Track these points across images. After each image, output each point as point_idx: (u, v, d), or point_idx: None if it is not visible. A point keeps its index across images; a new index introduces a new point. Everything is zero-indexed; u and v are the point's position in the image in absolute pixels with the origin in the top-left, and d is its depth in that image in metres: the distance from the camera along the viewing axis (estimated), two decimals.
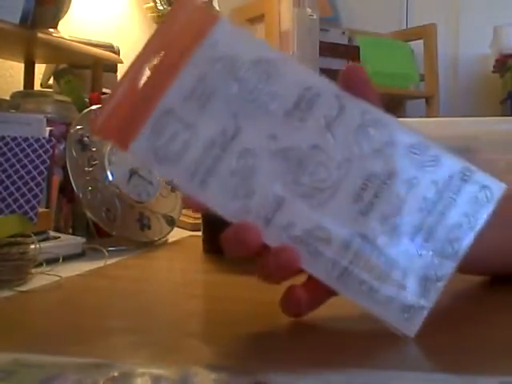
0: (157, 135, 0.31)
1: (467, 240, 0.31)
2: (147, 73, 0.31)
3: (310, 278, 0.32)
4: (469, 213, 0.31)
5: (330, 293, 0.33)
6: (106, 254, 0.55)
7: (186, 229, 0.76)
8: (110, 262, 0.54)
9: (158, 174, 0.30)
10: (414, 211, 0.31)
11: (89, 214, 0.61)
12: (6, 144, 0.61)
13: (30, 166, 0.60)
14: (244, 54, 0.32)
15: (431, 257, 0.31)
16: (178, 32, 0.32)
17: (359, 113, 0.32)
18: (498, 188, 0.32)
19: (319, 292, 0.33)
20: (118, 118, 0.31)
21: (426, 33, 2.00)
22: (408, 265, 0.31)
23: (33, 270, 0.48)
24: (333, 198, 0.31)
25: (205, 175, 0.31)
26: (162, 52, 0.31)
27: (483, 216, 0.32)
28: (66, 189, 0.66)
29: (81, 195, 0.61)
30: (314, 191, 0.31)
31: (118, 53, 1.16)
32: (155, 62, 0.31)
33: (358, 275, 0.31)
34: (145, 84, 0.31)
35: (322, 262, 0.31)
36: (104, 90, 1.01)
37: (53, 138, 0.64)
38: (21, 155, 0.60)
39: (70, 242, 0.59)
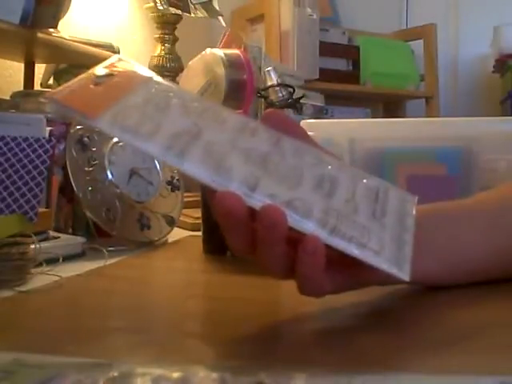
0: (125, 118, 0.33)
1: None
2: (105, 79, 0.35)
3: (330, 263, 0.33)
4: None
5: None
6: (106, 254, 0.55)
7: (186, 229, 0.76)
8: (109, 262, 0.54)
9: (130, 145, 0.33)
10: (363, 200, 0.36)
11: (89, 214, 0.61)
12: (6, 144, 0.61)
13: (29, 166, 0.60)
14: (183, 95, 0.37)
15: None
16: (122, 70, 0.37)
17: (294, 142, 0.37)
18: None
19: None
20: (85, 95, 0.34)
21: (425, 33, 2.00)
22: (377, 231, 0.34)
23: (33, 270, 0.48)
24: (300, 186, 0.34)
25: (181, 150, 0.32)
26: (111, 74, 0.36)
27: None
28: (66, 189, 0.66)
29: (81, 195, 0.61)
30: (283, 179, 0.34)
31: (117, 53, 1.16)
32: (106, 79, 0.35)
33: (345, 233, 0.33)
34: (103, 86, 0.35)
35: (309, 223, 0.32)
36: None
37: (53, 138, 0.64)
38: (21, 155, 0.60)
39: (69, 242, 0.58)
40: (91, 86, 0.35)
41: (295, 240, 0.32)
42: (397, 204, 0.37)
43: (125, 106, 0.34)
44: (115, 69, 0.37)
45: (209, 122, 0.35)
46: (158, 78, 0.38)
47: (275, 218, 0.31)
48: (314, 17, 1.66)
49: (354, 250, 0.32)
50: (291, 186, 0.33)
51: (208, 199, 0.34)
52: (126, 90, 0.35)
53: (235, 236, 0.32)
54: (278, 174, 0.34)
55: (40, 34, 0.89)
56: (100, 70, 0.36)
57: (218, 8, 1.25)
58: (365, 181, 0.37)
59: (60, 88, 0.35)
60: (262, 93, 0.90)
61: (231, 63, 0.91)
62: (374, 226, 0.34)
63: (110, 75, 0.36)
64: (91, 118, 0.33)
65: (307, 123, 0.64)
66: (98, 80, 0.35)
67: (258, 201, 0.31)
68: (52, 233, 0.59)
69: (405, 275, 0.33)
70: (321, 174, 0.35)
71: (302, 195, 0.33)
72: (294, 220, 0.32)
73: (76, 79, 0.36)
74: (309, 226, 0.32)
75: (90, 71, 0.36)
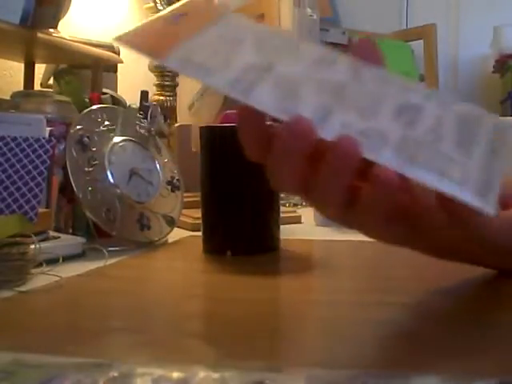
0: (194, 54, 0.32)
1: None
2: (178, 18, 0.35)
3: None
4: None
5: None
6: (106, 254, 0.55)
7: (186, 229, 0.76)
8: (110, 262, 0.54)
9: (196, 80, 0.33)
10: (449, 129, 0.32)
11: (89, 214, 0.61)
12: (6, 144, 0.61)
13: (29, 166, 0.60)
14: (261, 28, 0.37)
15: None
16: (196, 7, 0.37)
17: (376, 71, 0.35)
18: None
19: None
20: (153, 35, 0.34)
21: (425, 33, 2.00)
22: (462, 160, 0.31)
23: (33, 271, 0.48)
24: (377, 114, 0.32)
25: (248, 85, 0.31)
26: (185, 14, 0.36)
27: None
28: (66, 189, 0.66)
29: (81, 195, 0.61)
30: (358, 110, 0.32)
31: (118, 53, 1.16)
32: (180, 18, 0.35)
33: (424, 162, 0.30)
34: (176, 24, 0.35)
35: (384, 151, 0.30)
36: (104, 90, 1.01)
37: (53, 138, 0.64)
38: (21, 155, 0.60)
39: (69, 242, 0.59)
40: (163, 26, 0.35)
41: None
42: (490, 132, 0.34)
43: (195, 43, 0.33)
44: (189, 7, 0.36)
45: (283, 56, 0.34)
46: (234, 14, 0.37)
47: (348, 148, 0.29)
48: (314, 17, 1.65)
49: (433, 180, 0.30)
50: (367, 114, 0.32)
51: (243, 139, 0.33)
52: (199, 27, 0.34)
53: (293, 168, 0.31)
54: (353, 103, 0.32)
55: (40, 34, 0.89)
56: (173, 8, 0.36)
57: None
58: (454, 107, 0.34)
59: (131, 29, 0.34)
60: None
61: None
62: (458, 154, 0.31)
63: (183, 14, 0.35)
64: (159, 57, 0.32)
65: None
66: (171, 19, 0.35)
67: (329, 130, 0.30)
68: (52, 233, 0.59)
69: (490, 207, 0.30)
70: (403, 102, 0.33)
71: (379, 124, 0.31)
72: (368, 150, 0.30)
73: (148, 19, 0.36)
74: (383, 157, 0.30)
75: (164, 11, 0.36)
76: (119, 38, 0.34)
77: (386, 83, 0.34)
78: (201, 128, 0.62)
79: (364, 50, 0.36)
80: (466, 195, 0.30)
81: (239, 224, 0.59)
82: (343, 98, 0.32)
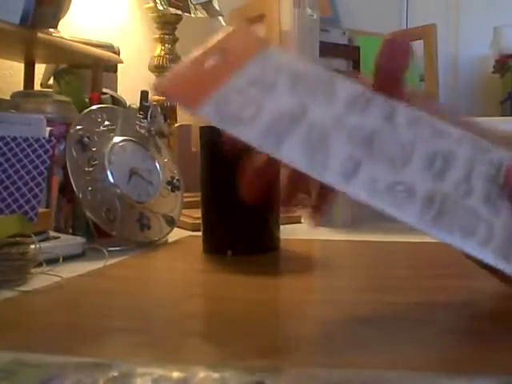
0: (225, 103, 0.32)
1: None
2: (214, 59, 0.35)
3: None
4: None
5: None
6: (106, 254, 0.55)
7: (186, 229, 0.76)
8: (110, 262, 0.54)
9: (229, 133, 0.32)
10: (480, 179, 0.32)
11: (89, 214, 0.61)
12: (6, 144, 0.61)
13: (29, 166, 0.60)
14: (297, 65, 0.36)
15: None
16: (237, 43, 0.37)
17: (411, 112, 0.34)
18: None
19: None
20: (188, 83, 0.34)
21: (425, 33, 2.00)
22: (489, 217, 0.31)
23: (33, 270, 0.48)
24: (407, 166, 0.32)
25: (279, 136, 0.31)
26: (224, 51, 0.35)
27: None
28: (66, 189, 0.66)
29: (81, 195, 0.61)
30: (388, 160, 0.32)
31: (118, 53, 1.16)
32: (218, 56, 0.35)
33: (449, 221, 0.30)
34: (212, 68, 0.34)
35: (410, 209, 0.30)
36: (104, 90, 1.01)
37: (53, 138, 0.64)
38: (21, 155, 0.60)
39: (69, 242, 0.59)
40: (198, 70, 0.34)
41: None
42: None
43: (228, 91, 0.33)
44: (228, 41, 0.36)
45: (317, 98, 0.33)
46: (273, 49, 0.36)
47: None
48: (314, 17, 1.65)
49: (455, 241, 0.30)
50: (398, 164, 0.31)
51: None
52: (236, 67, 0.34)
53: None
54: (384, 153, 0.32)
55: (40, 34, 0.89)
56: (212, 44, 0.35)
57: (218, 8, 1.25)
58: (488, 155, 0.34)
59: (167, 75, 0.34)
60: None
61: None
62: (486, 209, 0.31)
63: (220, 51, 0.35)
64: (192, 109, 0.32)
65: None
66: (206, 61, 0.34)
67: (357, 186, 0.30)
68: (52, 233, 0.59)
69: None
70: (434, 150, 0.33)
71: (408, 176, 0.31)
72: (394, 207, 0.30)
73: (184, 62, 0.35)
74: (409, 215, 0.30)
75: (202, 48, 0.35)
76: (156, 87, 0.34)
77: (419, 126, 0.34)
78: (201, 128, 0.62)
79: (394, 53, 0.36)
80: (487, 257, 0.30)
81: (239, 224, 0.59)
82: (374, 147, 0.32)
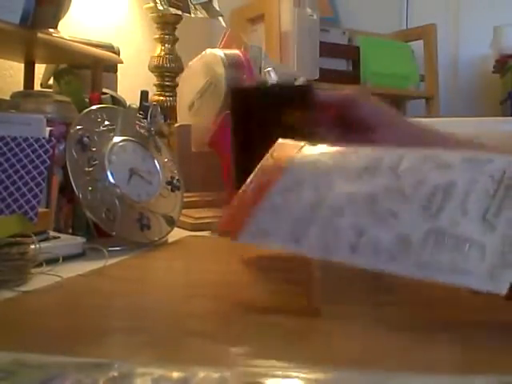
0: (259, 224, 0.39)
1: None
2: (250, 189, 0.43)
3: None
4: None
5: None
6: (106, 254, 0.55)
7: (186, 229, 0.76)
8: (110, 262, 0.54)
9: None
10: (478, 199, 0.34)
11: (89, 214, 0.61)
12: (6, 144, 0.61)
13: (29, 166, 0.60)
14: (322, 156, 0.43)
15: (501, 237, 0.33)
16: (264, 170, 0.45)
17: (418, 154, 0.38)
18: None
19: None
20: (232, 218, 0.42)
21: (425, 33, 2.00)
22: (483, 239, 0.33)
23: (33, 270, 0.48)
24: (405, 213, 0.35)
25: (298, 236, 0.37)
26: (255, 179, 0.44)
27: None
28: (66, 189, 0.66)
29: (81, 195, 0.61)
30: (389, 215, 0.35)
31: (117, 53, 1.16)
32: (253, 184, 0.44)
33: (440, 259, 0.33)
34: (248, 196, 0.42)
35: (406, 261, 0.33)
36: (104, 90, 1.01)
37: (53, 138, 0.64)
38: (21, 155, 0.60)
39: (69, 242, 0.58)
40: (238, 203, 0.42)
41: None
42: None
43: (260, 215, 0.39)
44: (264, 164, 0.44)
45: (333, 183, 0.39)
46: (297, 162, 0.43)
47: None
48: (314, 17, 1.65)
49: (442, 279, 0.32)
50: (398, 218, 0.35)
51: None
52: (267, 189, 0.41)
53: None
54: (386, 212, 0.35)
55: (40, 34, 0.89)
56: (254, 173, 0.44)
57: (218, 8, 1.25)
58: (488, 167, 0.35)
59: (222, 216, 0.44)
60: None
61: (231, 63, 0.91)
62: (479, 231, 0.33)
63: (259, 174, 0.43)
64: (235, 239, 0.39)
65: None
66: (249, 188, 0.43)
67: (361, 256, 0.34)
68: (52, 233, 0.59)
69: (500, 288, 0.31)
70: (434, 186, 0.36)
71: (404, 227, 0.34)
72: (389, 265, 0.33)
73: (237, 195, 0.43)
74: (403, 269, 0.33)
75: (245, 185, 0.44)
76: (214, 232, 0.44)
77: (423, 164, 0.37)
78: (232, 89, 0.61)
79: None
80: (473, 284, 0.31)
81: None
82: (376, 208, 0.36)
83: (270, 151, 0.46)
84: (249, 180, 0.44)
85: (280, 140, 0.46)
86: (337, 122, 0.53)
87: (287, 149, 0.45)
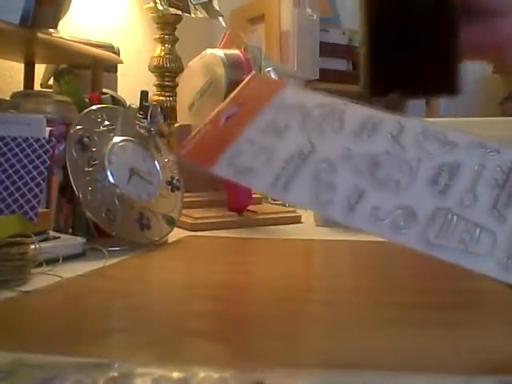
0: (238, 156, 0.35)
1: None
2: (229, 116, 0.38)
3: None
4: None
5: None
6: (106, 254, 0.55)
7: (186, 229, 0.76)
8: (110, 262, 0.54)
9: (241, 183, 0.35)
10: (487, 187, 0.33)
11: (89, 214, 0.61)
12: (6, 144, 0.61)
13: (29, 166, 0.60)
14: (309, 101, 0.38)
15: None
16: (252, 92, 0.40)
17: (419, 125, 0.36)
18: None
19: None
20: (205, 145, 0.37)
21: None
22: (494, 228, 0.31)
23: (33, 271, 0.48)
24: (411, 186, 0.33)
25: (287, 181, 0.33)
26: (239, 103, 0.38)
27: None
28: (66, 189, 0.66)
29: (81, 195, 0.61)
30: (392, 183, 0.33)
31: (118, 53, 1.16)
32: (234, 110, 0.38)
33: (448, 241, 0.31)
34: (227, 124, 0.37)
35: (410, 234, 0.31)
36: (104, 90, 1.01)
37: (53, 138, 0.64)
38: (21, 155, 0.60)
39: (69, 242, 0.58)
40: (214, 129, 0.37)
41: None
42: None
43: (241, 144, 0.35)
44: (241, 95, 0.39)
45: (325, 133, 0.36)
46: (287, 90, 0.39)
47: None
48: (314, 17, 1.65)
49: (454, 259, 0.30)
50: (401, 187, 0.33)
51: None
52: (247, 121, 0.37)
53: None
54: (387, 178, 0.33)
55: (40, 34, 0.89)
56: (231, 96, 0.38)
57: (218, 8, 1.25)
58: (496, 157, 0.34)
59: (191, 139, 0.37)
60: None
61: (231, 63, 0.91)
62: (489, 219, 0.32)
63: (234, 107, 0.38)
64: (209, 168, 0.35)
65: None
66: (223, 118, 0.37)
67: (360, 217, 0.31)
68: (52, 233, 0.59)
69: None
70: (440, 165, 0.34)
71: (410, 199, 0.32)
72: (394, 233, 0.31)
73: (203, 124, 0.38)
74: (408, 239, 0.31)
75: (219, 106, 0.38)
76: (182, 156, 0.37)
77: (426, 140, 0.35)
78: None
79: None
80: (487, 270, 0.30)
81: (413, 57, 0.47)
82: (378, 172, 0.33)
83: (243, 84, 0.41)
84: (223, 105, 0.39)
85: (254, 74, 0.43)
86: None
87: (267, 84, 0.41)
